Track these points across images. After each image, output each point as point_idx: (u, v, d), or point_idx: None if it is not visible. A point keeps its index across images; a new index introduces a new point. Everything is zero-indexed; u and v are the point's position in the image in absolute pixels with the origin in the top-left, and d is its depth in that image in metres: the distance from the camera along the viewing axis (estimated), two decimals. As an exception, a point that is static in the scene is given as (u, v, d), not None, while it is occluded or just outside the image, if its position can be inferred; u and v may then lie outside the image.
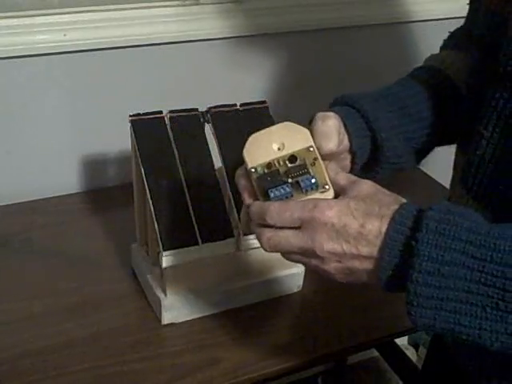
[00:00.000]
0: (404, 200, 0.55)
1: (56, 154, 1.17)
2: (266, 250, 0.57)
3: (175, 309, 0.85)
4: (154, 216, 0.80)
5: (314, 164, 0.59)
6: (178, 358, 0.81)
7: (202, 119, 0.88)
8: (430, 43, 1.42)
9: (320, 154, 0.61)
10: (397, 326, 0.89)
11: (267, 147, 0.60)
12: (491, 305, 0.49)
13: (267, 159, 0.59)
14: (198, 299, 0.86)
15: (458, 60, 0.78)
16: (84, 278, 0.94)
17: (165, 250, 0.79)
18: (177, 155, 0.84)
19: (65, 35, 1.08)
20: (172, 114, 0.86)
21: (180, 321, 0.86)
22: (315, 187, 0.58)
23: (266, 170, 0.59)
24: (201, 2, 1.16)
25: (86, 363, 0.79)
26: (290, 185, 0.58)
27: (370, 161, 0.71)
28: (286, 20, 1.24)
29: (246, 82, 1.25)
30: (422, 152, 0.77)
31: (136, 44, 1.14)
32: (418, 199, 0.95)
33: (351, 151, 0.68)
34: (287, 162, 0.59)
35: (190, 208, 0.82)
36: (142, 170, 0.82)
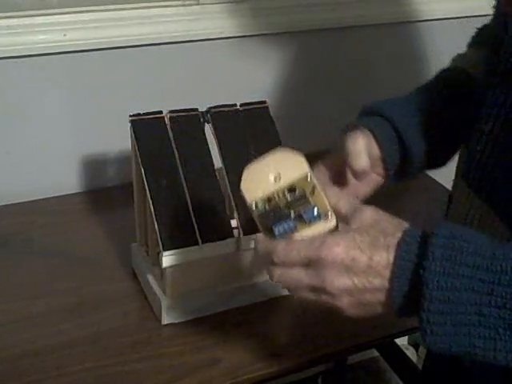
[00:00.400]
0: (407, 225, 0.55)
1: (56, 154, 1.17)
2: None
3: (175, 309, 0.85)
4: (153, 216, 0.80)
5: (313, 193, 0.58)
6: (177, 358, 0.80)
7: (201, 119, 0.88)
8: (433, 43, 1.42)
9: (353, 171, 0.66)
10: (397, 325, 0.89)
11: (264, 179, 0.60)
12: (504, 325, 0.49)
13: (266, 192, 0.59)
14: (198, 299, 0.86)
15: (480, 59, 0.79)
16: (84, 278, 0.94)
17: (165, 250, 0.79)
18: (177, 155, 0.84)
19: (65, 35, 1.08)
20: (172, 114, 0.86)
21: (180, 321, 0.86)
22: (318, 217, 0.57)
23: (266, 206, 0.59)
24: (201, 1, 1.16)
25: (86, 363, 0.79)
26: (292, 218, 0.57)
27: (401, 166, 0.74)
28: (287, 20, 1.24)
29: (245, 81, 1.25)
30: (451, 152, 0.78)
31: (136, 44, 1.14)
32: (418, 200, 0.97)
33: (383, 159, 0.72)
34: (286, 194, 0.59)
35: (190, 208, 0.82)
36: (142, 170, 0.82)
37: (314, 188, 0.59)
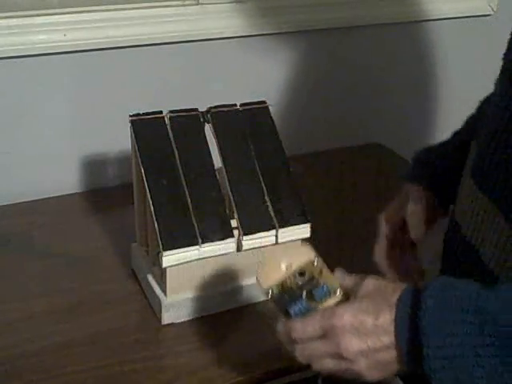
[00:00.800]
0: (404, 285, 0.59)
1: (56, 154, 1.17)
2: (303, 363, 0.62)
3: (175, 309, 0.85)
4: (153, 216, 0.80)
5: (321, 274, 0.65)
6: (178, 358, 0.80)
7: (202, 119, 0.88)
8: (433, 43, 1.42)
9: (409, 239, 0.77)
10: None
11: (276, 268, 0.66)
12: (501, 361, 0.52)
13: (279, 279, 0.65)
14: (198, 299, 0.86)
15: None
16: (84, 277, 0.94)
17: (165, 250, 0.79)
18: (177, 155, 0.84)
19: (65, 35, 1.08)
20: (172, 114, 0.86)
21: (180, 321, 0.86)
22: (328, 294, 0.63)
23: (280, 289, 0.65)
24: (201, 1, 1.16)
25: (86, 363, 0.79)
26: (305, 298, 0.63)
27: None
28: (287, 20, 1.24)
29: (246, 81, 1.25)
30: None
31: (136, 44, 1.14)
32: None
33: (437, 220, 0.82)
34: (297, 277, 0.65)
35: (190, 208, 0.82)
36: (142, 170, 0.82)
37: (321, 270, 0.65)
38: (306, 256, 0.67)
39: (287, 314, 0.63)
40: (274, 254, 0.68)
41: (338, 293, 0.63)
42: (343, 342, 0.58)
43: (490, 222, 0.64)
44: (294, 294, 0.64)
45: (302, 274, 0.65)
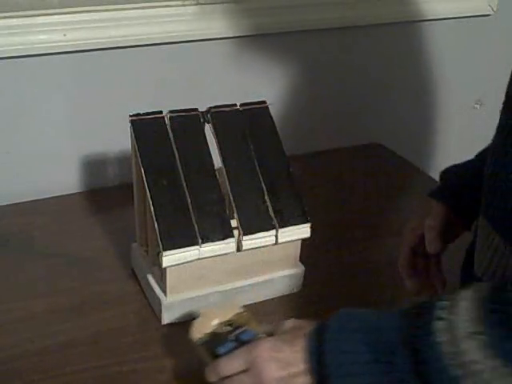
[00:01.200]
0: (315, 323, 0.67)
1: (56, 153, 1.17)
2: None
3: (175, 309, 0.85)
4: (153, 216, 0.80)
5: (248, 322, 0.74)
6: (177, 358, 0.80)
7: (202, 119, 0.88)
8: (433, 43, 1.42)
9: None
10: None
11: (208, 323, 0.75)
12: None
13: (210, 330, 0.74)
14: (198, 299, 0.86)
15: None
16: (84, 278, 0.94)
17: (165, 250, 0.79)
18: (177, 155, 0.84)
19: (65, 35, 1.08)
20: (172, 114, 0.86)
21: (180, 321, 0.86)
22: (253, 337, 0.71)
23: (210, 337, 0.73)
24: (200, 1, 1.16)
25: (86, 363, 0.79)
26: (233, 340, 0.71)
27: None
28: (287, 20, 1.24)
29: (245, 81, 1.25)
30: None
31: (136, 44, 1.14)
32: (419, 201, 0.97)
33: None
34: (226, 327, 0.74)
35: (190, 208, 0.82)
36: (142, 170, 0.82)
37: (248, 320, 0.75)
38: (236, 311, 0.77)
39: (215, 357, 0.70)
40: (206, 312, 0.77)
41: (262, 336, 0.71)
42: (264, 370, 0.64)
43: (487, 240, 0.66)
44: (222, 339, 0.72)
45: (230, 324, 0.74)
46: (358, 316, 0.65)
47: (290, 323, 0.69)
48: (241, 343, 0.70)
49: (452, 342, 0.57)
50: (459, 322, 0.57)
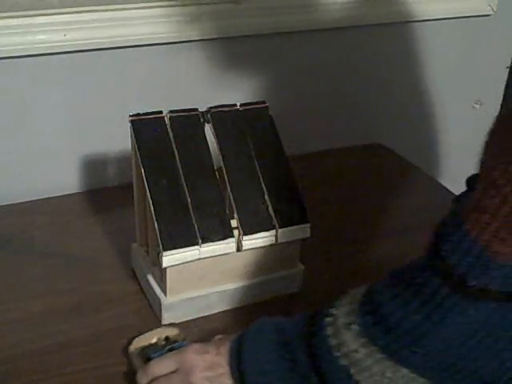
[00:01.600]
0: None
1: (56, 153, 1.17)
2: None
3: (175, 309, 0.85)
4: (153, 216, 0.80)
5: (183, 340, 0.79)
6: (177, 358, 0.80)
7: (201, 119, 0.88)
8: (433, 43, 1.43)
9: None
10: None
11: (147, 340, 0.80)
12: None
13: (147, 343, 0.79)
14: (198, 299, 0.86)
15: None
16: (84, 277, 0.94)
17: (165, 250, 0.79)
18: (177, 155, 0.84)
19: (65, 35, 1.08)
20: (172, 114, 0.86)
21: (180, 321, 0.86)
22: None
23: (145, 347, 0.78)
24: (200, 1, 1.16)
25: (86, 363, 0.79)
26: (166, 351, 0.76)
27: None
28: (286, 20, 1.24)
29: (245, 82, 1.25)
30: None
31: (136, 44, 1.14)
32: (419, 200, 0.97)
33: None
34: (162, 341, 0.79)
35: (190, 208, 0.82)
36: (142, 170, 0.82)
37: (184, 338, 0.80)
38: (174, 332, 0.81)
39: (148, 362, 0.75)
40: (146, 334, 0.81)
41: None
42: (192, 370, 0.70)
43: None
44: (157, 347, 0.77)
45: (167, 339, 0.80)
46: (273, 321, 0.71)
47: (218, 336, 0.76)
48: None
49: (335, 335, 0.62)
50: (340, 316, 0.63)
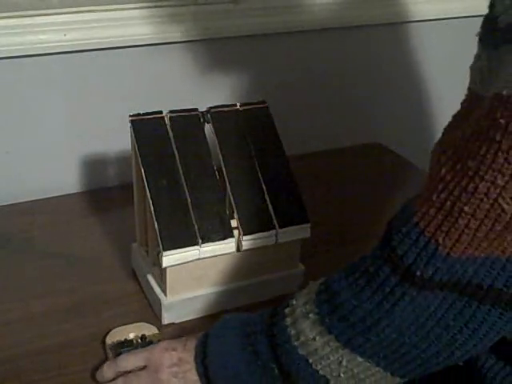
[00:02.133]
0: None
1: (56, 154, 1.17)
2: None
3: (175, 309, 0.85)
4: (153, 216, 0.80)
5: (159, 341, 0.78)
6: (177, 358, 0.80)
7: (201, 119, 0.88)
8: (434, 43, 1.42)
9: None
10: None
11: (124, 334, 0.81)
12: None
13: (123, 338, 0.80)
14: (198, 299, 0.86)
15: None
16: (84, 277, 0.94)
17: (165, 250, 0.79)
18: (177, 155, 0.84)
19: (65, 35, 1.08)
20: (172, 114, 0.86)
21: (180, 321, 0.86)
22: None
23: (120, 342, 0.79)
24: (200, 1, 1.16)
25: (86, 363, 0.79)
26: (140, 348, 0.77)
27: None
28: (286, 20, 1.24)
29: (245, 82, 1.25)
30: None
31: (136, 44, 1.14)
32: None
33: None
34: (139, 340, 0.80)
35: (190, 208, 0.82)
36: (142, 170, 0.82)
37: (159, 340, 0.79)
38: (153, 331, 0.82)
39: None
40: (126, 326, 0.82)
41: None
42: (160, 366, 0.70)
43: None
44: (132, 344, 0.79)
45: (142, 338, 0.81)
46: (237, 316, 0.72)
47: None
48: None
49: (294, 324, 0.63)
50: (299, 305, 0.64)
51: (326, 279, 0.65)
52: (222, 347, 0.69)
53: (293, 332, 0.63)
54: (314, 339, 0.61)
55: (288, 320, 0.64)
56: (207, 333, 0.72)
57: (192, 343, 0.72)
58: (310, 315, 0.62)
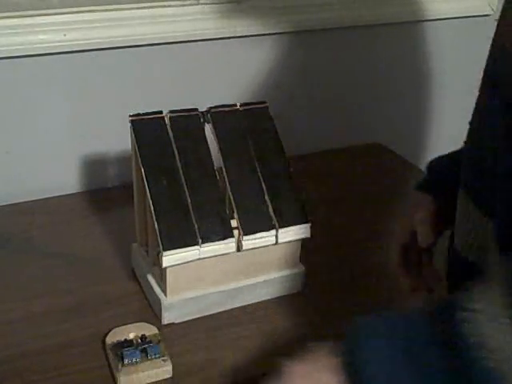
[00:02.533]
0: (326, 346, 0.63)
1: (56, 153, 1.17)
2: None
3: (175, 309, 0.85)
4: (153, 216, 0.80)
5: (158, 342, 0.80)
6: (177, 358, 0.80)
7: (201, 119, 0.88)
8: (434, 43, 1.43)
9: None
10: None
11: (124, 335, 0.81)
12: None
13: (123, 338, 0.80)
14: (198, 299, 0.86)
15: None
16: (84, 277, 0.94)
17: (165, 250, 0.79)
18: (177, 155, 0.84)
19: (65, 35, 1.08)
20: (172, 114, 0.86)
21: (180, 321, 0.86)
22: (158, 356, 0.78)
23: (121, 342, 0.80)
24: (201, 1, 1.16)
25: (85, 363, 0.79)
26: (140, 352, 0.78)
27: None
28: (286, 20, 1.24)
29: (245, 82, 1.25)
30: None
31: (136, 44, 1.14)
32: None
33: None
34: (139, 340, 0.80)
35: (190, 208, 0.82)
36: (142, 170, 0.82)
37: (159, 340, 0.80)
38: (153, 331, 0.82)
39: (120, 360, 0.77)
40: (127, 326, 0.82)
41: (165, 358, 0.78)
42: None
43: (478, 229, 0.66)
44: (132, 346, 0.78)
45: (143, 338, 0.80)
46: (376, 327, 0.61)
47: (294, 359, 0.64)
48: (145, 355, 0.77)
49: (476, 330, 0.53)
50: (484, 310, 0.54)
51: None
52: (381, 366, 0.57)
53: (476, 339, 0.53)
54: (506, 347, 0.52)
55: (466, 327, 0.54)
56: (349, 347, 0.59)
57: (330, 362, 0.60)
58: (503, 320, 0.53)
